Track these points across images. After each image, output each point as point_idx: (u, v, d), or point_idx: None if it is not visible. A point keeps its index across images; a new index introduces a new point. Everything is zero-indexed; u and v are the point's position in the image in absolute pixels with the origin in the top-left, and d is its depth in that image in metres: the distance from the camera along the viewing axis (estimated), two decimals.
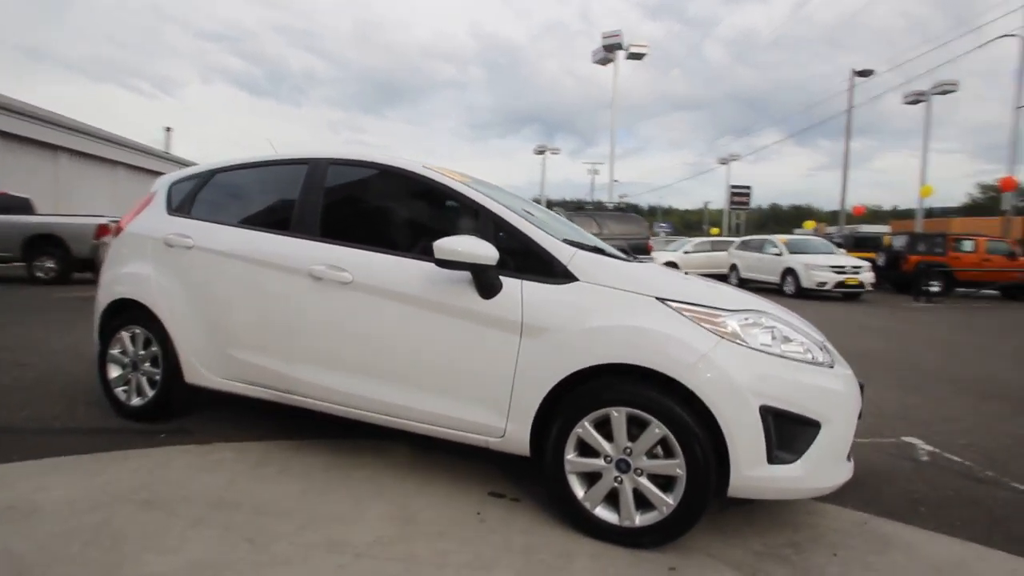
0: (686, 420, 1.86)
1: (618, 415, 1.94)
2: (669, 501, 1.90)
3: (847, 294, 12.16)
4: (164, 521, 1.97)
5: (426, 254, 2.29)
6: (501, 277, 2.13)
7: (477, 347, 2.15)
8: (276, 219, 2.71)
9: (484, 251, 2.06)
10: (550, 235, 2.22)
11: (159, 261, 2.86)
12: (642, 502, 1.95)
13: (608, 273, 2.10)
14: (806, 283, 12.05)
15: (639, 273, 2.15)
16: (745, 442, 1.84)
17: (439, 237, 2.28)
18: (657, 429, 1.89)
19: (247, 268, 2.61)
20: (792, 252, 12.94)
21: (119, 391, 3.00)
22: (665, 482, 1.92)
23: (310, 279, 2.45)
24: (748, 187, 33.96)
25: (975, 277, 12.63)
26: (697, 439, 1.85)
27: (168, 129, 28.10)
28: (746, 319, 1.98)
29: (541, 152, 33.10)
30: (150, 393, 2.90)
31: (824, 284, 11.83)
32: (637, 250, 5.89)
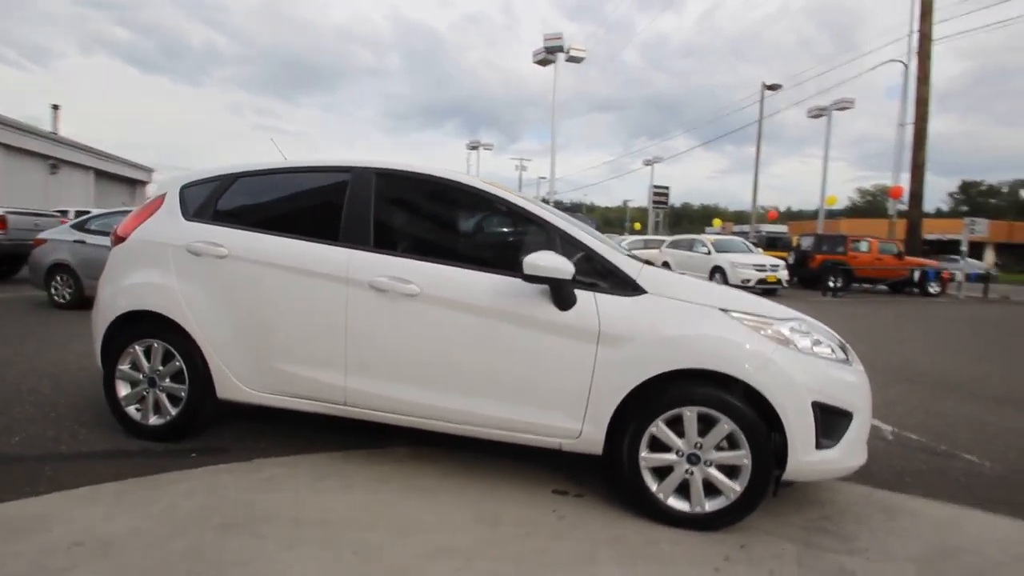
0: (752, 416, 2.12)
1: (690, 414, 2.16)
2: (736, 488, 2.15)
3: (766, 290, 13.43)
4: (257, 545, 1.92)
5: (492, 266, 2.40)
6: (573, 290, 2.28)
7: (554, 356, 2.28)
8: (319, 228, 2.66)
9: (565, 266, 2.19)
10: (615, 250, 2.40)
11: (183, 270, 2.69)
12: (709, 490, 2.19)
13: (673, 286, 2.32)
14: (732, 280, 13.16)
15: (698, 286, 2.39)
16: (800, 433, 2.13)
17: (505, 250, 2.39)
18: (726, 425, 2.14)
19: (296, 279, 2.55)
20: (719, 251, 14.08)
21: (131, 410, 2.79)
22: (730, 471, 2.17)
23: (372, 291, 2.44)
24: (667, 187, 36.13)
25: (869, 274, 14.47)
26: (761, 432, 2.12)
27: (55, 107, 24.90)
28: (793, 326, 2.28)
29: (474, 148, 33.14)
30: (172, 411, 2.73)
31: (748, 281, 13.00)
32: None
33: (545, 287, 2.28)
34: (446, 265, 2.44)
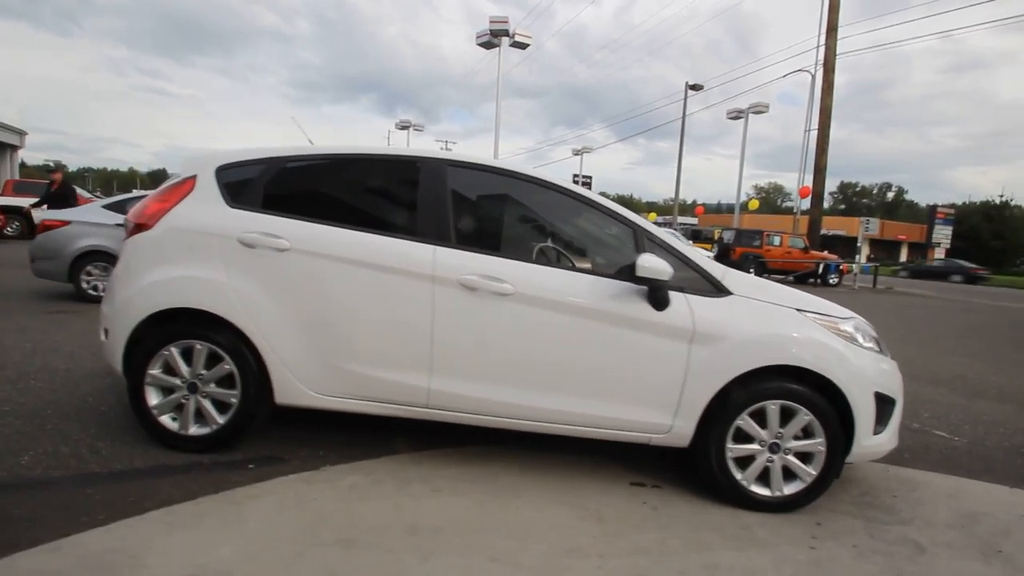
0: (827, 407, 2.35)
1: (774, 407, 2.35)
2: (812, 472, 2.38)
3: None
4: (392, 559, 1.84)
5: (579, 267, 2.43)
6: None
7: (649, 354, 2.36)
8: (390, 222, 2.52)
9: (667, 268, 2.27)
10: (698, 253, 2.51)
11: (235, 264, 2.43)
12: (786, 475, 2.40)
13: (754, 288, 2.48)
14: None
15: (773, 287, 2.57)
16: (865, 420, 2.39)
17: (592, 251, 2.42)
18: (805, 416, 2.35)
19: (373, 275, 2.40)
20: None
21: (166, 419, 2.49)
22: (804, 457, 2.40)
23: (461, 289, 2.37)
24: (590, 177, 37.28)
25: (780, 266, 16.04)
26: (834, 421, 2.36)
27: None
28: (854, 324, 2.54)
29: (405, 127, 31.89)
30: (220, 419, 2.48)
31: None
32: None
33: (642, 288, 2.35)
34: (539, 265, 2.42)
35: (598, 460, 2.78)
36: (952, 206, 36.45)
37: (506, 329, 2.38)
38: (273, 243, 2.42)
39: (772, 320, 2.39)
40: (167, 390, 2.50)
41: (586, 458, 2.79)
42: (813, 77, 18.53)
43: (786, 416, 2.37)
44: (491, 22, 15.58)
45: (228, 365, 2.44)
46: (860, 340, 2.49)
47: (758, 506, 2.39)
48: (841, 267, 16.07)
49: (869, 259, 24.14)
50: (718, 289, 2.43)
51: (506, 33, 15.52)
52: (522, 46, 16.10)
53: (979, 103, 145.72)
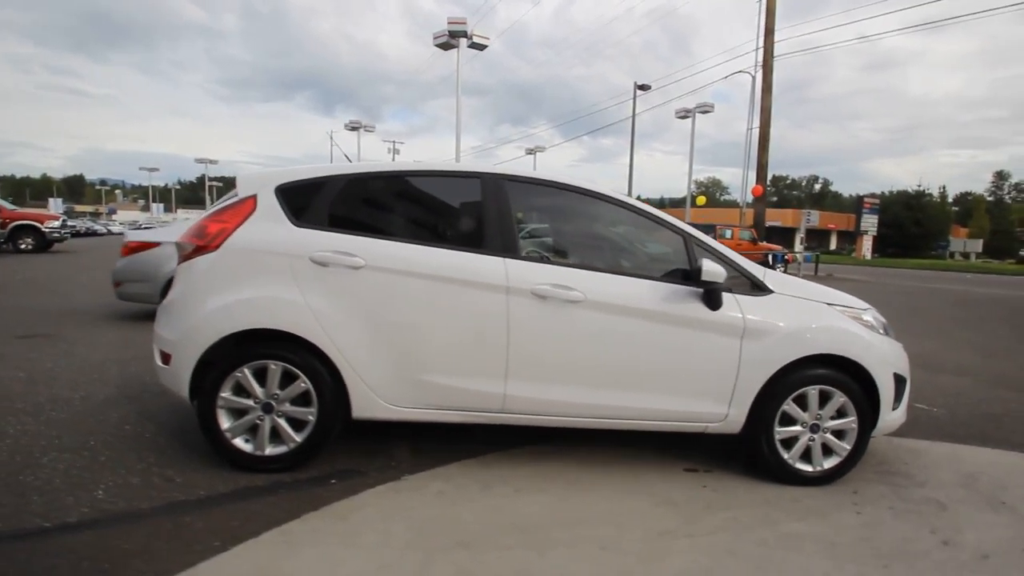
0: (858, 389, 2.66)
1: (814, 392, 2.64)
2: (846, 447, 2.69)
3: None
4: (515, 556, 1.96)
5: (634, 272, 2.62)
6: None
7: (707, 350, 2.59)
8: (457, 236, 2.62)
9: (724, 272, 2.51)
10: (740, 255, 2.76)
11: (309, 283, 2.45)
12: (825, 452, 2.70)
13: (790, 285, 2.76)
14: None
15: (805, 284, 2.85)
16: (887, 399, 2.72)
17: (646, 256, 2.63)
18: (840, 398, 2.65)
19: (449, 289, 2.49)
20: None
21: (239, 442, 2.48)
22: (839, 434, 2.70)
23: (533, 298, 2.50)
24: None
25: None
26: (864, 401, 2.67)
27: None
28: (872, 314, 2.87)
29: (355, 128, 31.07)
30: (297, 437, 2.49)
31: None
32: None
33: (697, 290, 2.57)
34: (602, 272, 2.59)
35: (649, 450, 3.00)
36: (875, 196, 39.90)
37: (576, 334, 2.54)
38: (347, 261, 2.47)
39: (809, 314, 2.68)
40: (239, 412, 2.49)
41: (637, 449, 3.00)
42: (753, 78, 19.80)
43: (823, 399, 2.67)
44: (449, 23, 15.58)
45: (304, 383, 2.47)
46: (877, 327, 2.82)
47: (803, 481, 2.67)
48: (787, 257, 17.25)
49: (807, 248, 25.89)
50: (760, 288, 2.69)
51: (464, 34, 15.54)
52: (480, 47, 16.18)
53: (892, 99, 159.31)
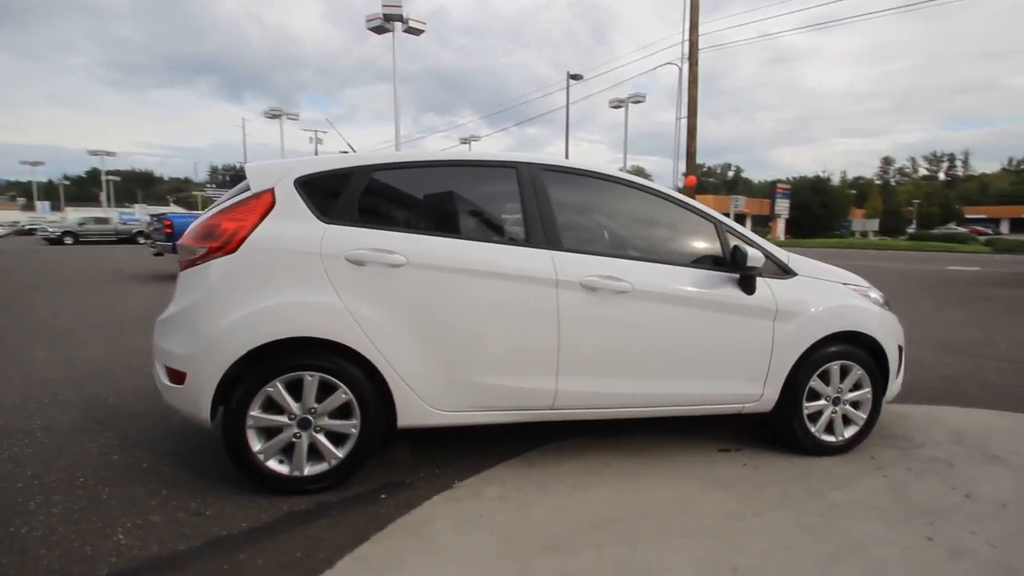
0: (871, 362, 2.86)
1: (836, 367, 2.80)
2: (862, 416, 2.88)
3: None
4: (609, 554, 1.92)
5: (671, 260, 2.64)
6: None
7: (745, 333, 2.66)
8: (497, 229, 2.51)
9: (762, 256, 2.58)
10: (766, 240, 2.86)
11: (345, 284, 2.24)
12: (845, 422, 2.87)
13: (811, 268, 2.89)
14: None
15: (822, 266, 2.98)
16: (894, 369, 2.94)
17: (684, 246, 2.68)
18: (858, 371, 2.83)
19: (497, 285, 2.38)
20: None
21: (273, 463, 2.25)
22: (856, 405, 2.88)
23: (582, 290, 2.45)
24: None
25: None
26: (875, 373, 2.87)
27: None
28: (876, 291, 3.07)
29: (276, 116, 28.92)
30: (339, 453, 2.30)
31: None
32: None
33: (733, 276, 2.63)
34: (645, 262, 2.58)
35: (676, 434, 3.05)
36: (786, 181, 43.42)
37: (625, 324, 2.52)
38: (386, 259, 2.28)
39: (831, 295, 2.83)
40: (271, 431, 2.25)
41: (663, 434, 3.05)
42: (680, 70, 20.69)
43: (843, 373, 2.83)
44: (384, 6, 14.84)
45: (345, 394, 2.27)
46: (880, 303, 3.03)
47: (827, 451, 2.83)
48: None
49: None
50: (786, 271, 2.80)
51: (400, 18, 14.88)
52: (417, 31, 15.55)
53: (792, 92, 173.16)
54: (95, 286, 9.80)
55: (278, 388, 2.21)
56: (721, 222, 2.77)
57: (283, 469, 2.26)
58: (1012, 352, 5.26)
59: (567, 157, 27.23)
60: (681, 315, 2.58)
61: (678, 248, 2.73)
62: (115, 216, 34.52)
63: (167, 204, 65.53)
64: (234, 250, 2.23)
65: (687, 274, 2.62)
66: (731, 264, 2.63)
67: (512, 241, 2.47)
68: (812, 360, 2.75)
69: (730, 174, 79.93)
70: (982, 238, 32.35)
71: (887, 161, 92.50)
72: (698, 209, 2.77)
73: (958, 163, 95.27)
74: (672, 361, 2.61)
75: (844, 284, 2.92)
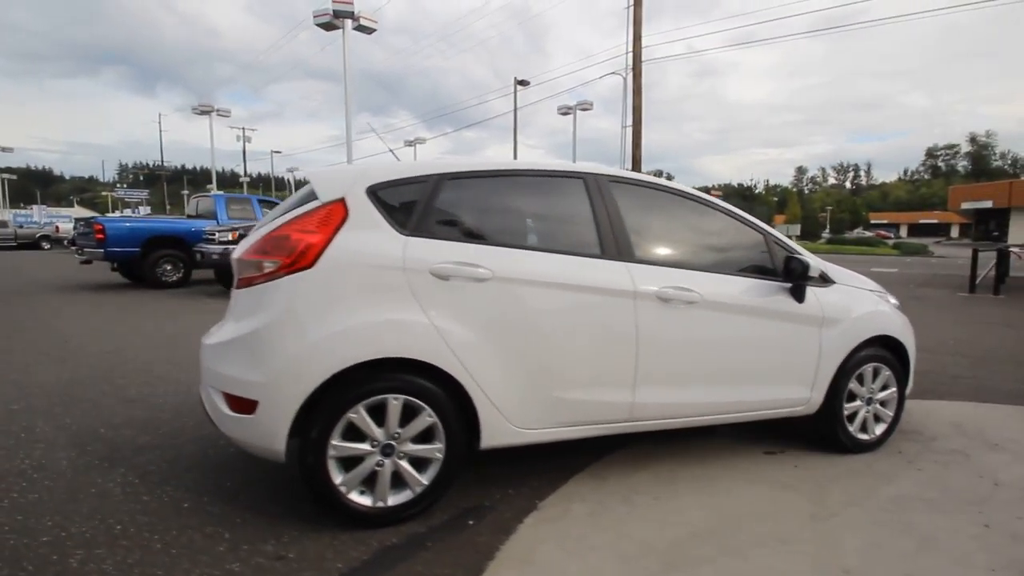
0: (897, 364, 3.07)
1: (869, 369, 2.99)
2: (889, 414, 3.09)
3: None
4: (722, 567, 1.92)
5: (730, 271, 2.72)
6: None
7: (798, 340, 2.78)
8: (571, 240, 2.46)
9: (817, 267, 2.71)
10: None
11: (429, 300, 2.12)
12: (876, 420, 3.06)
13: (844, 276, 3.06)
14: None
15: (850, 274, 3.16)
16: (911, 366, 3.18)
17: (739, 256, 2.78)
18: (887, 372, 3.04)
19: (578, 298, 2.34)
20: None
21: (355, 495, 2.08)
22: (884, 404, 3.09)
23: (657, 302, 2.46)
24: None
25: None
26: (901, 374, 3.09)
27: None
28: (892, 296, 3.31)
29: (205, 112, 26.78)
30: (423, 479, 2.17)
31: None
32: None
33: (785, 285, 2.74)
34: (708, 273, 2.63)
35: (719, 440, 3.13)
36: (718, 188, 46.17)
37: (695, 334, 2.55)
38: (472, 273, 2.18)
39: (865, 301, 3.01)
40: (352, 461, 2.08)
41: (709, 440, 3.12)
42: (624, 79, 21.49)
43: (874, 375, 3.03)
44: (334, 2, 14.21)
45: (430, 416, 2.14)
46: (897, 306, 3.27)
47: (863, 449, 3.01)
48: None
49: None
50: (826, 280, 2.95)
51: (351, 15, 14.31)
52: (368, 30, 14.95)
53: (715, 103, 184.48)
54: (19, 300, 8.70)
55: (361, 414, 2.05)
56: (770, 233, 2.88)
57: (366, 501, 2.10)
58: (962, 348, 5.85)
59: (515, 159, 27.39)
60: (743, 324, 2.66)
61: (734, 258, 2.80)
62: (9, 218, 30.89)
63: (71, 205, 59.40)
64: (309, 265, 2.04)
65: (746, 284, 2.70)
66: (785, 274, 2.74)
67: (589, 253, 2.44)
68: (850, 364, 2.92)
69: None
70: (889, 241, 35.90)
71: (800, 170, 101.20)
72: (749, 220, 2.87)
73: (862, 173, 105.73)
74: (735, 369, 2.67)
75: (871, 291, 3.13)
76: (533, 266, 2.29)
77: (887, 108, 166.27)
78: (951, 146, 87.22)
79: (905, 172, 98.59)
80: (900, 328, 3.08)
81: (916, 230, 66.43)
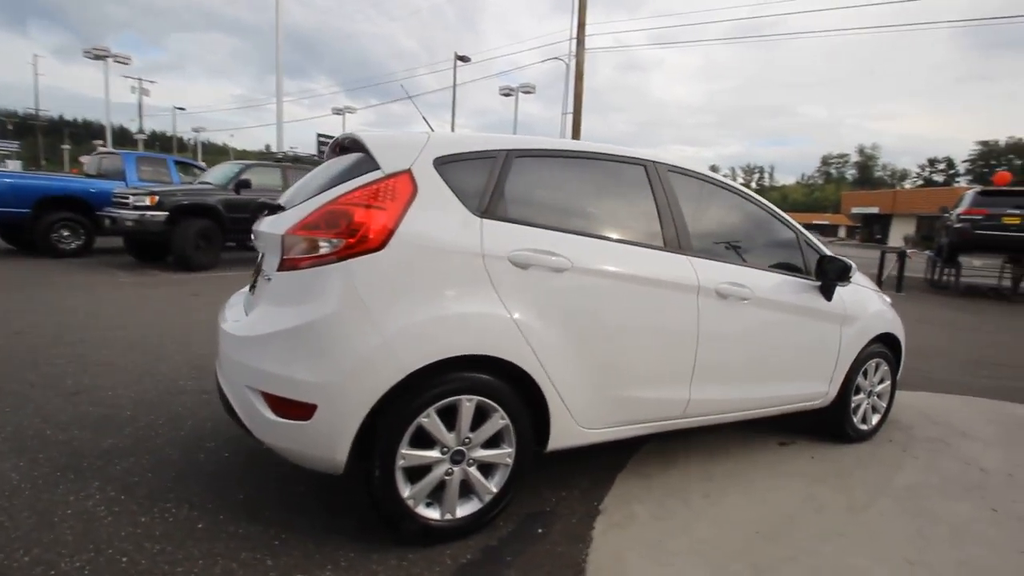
0: (892, 357, 3.28)
1: (874, 364, 3.17)
2: (883, 405, 3.30)
3: None
4: (808, 563, 1.91)
5: (769, 268, 2.75)
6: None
7: (824, 336, 2.86)
8: (634, 230, 2.33)
9: (852, 268, 2.80)
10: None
11: (507, 290, 1.90)
12: (872, 411, 3.26)
13: (856, 276, 3.19)
14: None
15: (859, 273, 3.31)
16: (903, 358, 3.42)
17: (777, 254, 2.83)
18: (885, 367, 3.24)
19: (650, 291, 2.22)
20: None
21: (422, 508, 1.85)
22: (879, 396, 3.29)
23: (716, 297, 2.40)
24: (332, 136, 35.09)
25: None
26: (895, 367, 3.31)
27: None
28: (883, 293, 3.52)
29: (100, 57, 22.70)
30: (493, 487, 1.97)
31: None
32: None
33: (816, 283, 2.81)
34: (757, 270, 2.62)
35: (735, 432, 3.19)
36: None
37: (745, 330, 2.54)
38: (551, 262, 1.99)
39: (873, 300, 3.17)
40: (420, 470, 1.83)
41: (726, 433, 3.17)
42: (567, 65, 21.52)
43: (876, 369, 3.21)
44: None
45: (503, 419, 1.94)
46: (891, 303, 3.49)
47: (863, 438, 3.20)
48: None
49: None
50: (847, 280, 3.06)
51: None
52: None
53: (639, 97, 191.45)
54: None
55: (433, 417, 1.81)
56: (801, 231, 2.93)
57: (433, 514, 1.87)
58: (911, 341, 6.45)
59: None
60: (784, 320, 2.69)
61: (774, 256, 2.82)
62: None
63: None
64: (379, 247, 1.75)
65: (784, 281, 2.73)
66: (820, 274, 2.80)
67: (654, 245, 2.32)
68: (860, 359, 3.07)
69: None
70: None
71: (714, 169, 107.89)
72: (785, 219, 2.89)
73: (766, 175, 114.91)
74: (774, 364, 2.71)
75: (874, 290, 3.30)
76: (608, 257, 2.14)
77: (789, 116, 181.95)
78: (843, 155, 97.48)
79: (802, 176, 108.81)
80: (897, 325, 3.29)
81: (809, 230, 73.89)
